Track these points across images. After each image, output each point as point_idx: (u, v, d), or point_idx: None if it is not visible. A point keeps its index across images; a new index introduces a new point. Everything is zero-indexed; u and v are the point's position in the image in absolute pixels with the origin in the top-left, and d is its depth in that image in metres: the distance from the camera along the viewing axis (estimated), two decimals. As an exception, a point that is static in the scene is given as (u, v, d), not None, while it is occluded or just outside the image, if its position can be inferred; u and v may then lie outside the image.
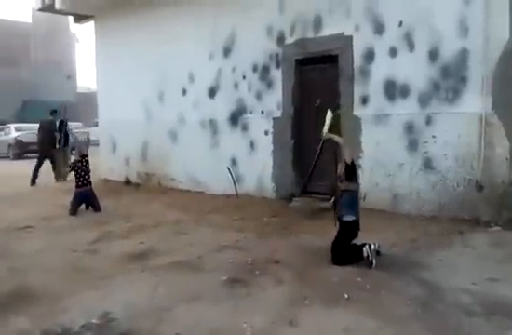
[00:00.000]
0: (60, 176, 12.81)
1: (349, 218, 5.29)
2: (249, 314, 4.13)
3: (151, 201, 8.43)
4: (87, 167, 8.71)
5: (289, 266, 5.30)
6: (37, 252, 6.21)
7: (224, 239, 6.46)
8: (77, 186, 8.71)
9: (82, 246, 6.46)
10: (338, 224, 5.38)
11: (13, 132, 22.90)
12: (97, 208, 8.73)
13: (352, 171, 5.38)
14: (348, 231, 5.32)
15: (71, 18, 14.83)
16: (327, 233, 5.88)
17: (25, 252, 6.23)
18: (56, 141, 13.34)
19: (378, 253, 5.21)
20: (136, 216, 8.07)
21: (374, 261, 5.10)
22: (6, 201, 10.00)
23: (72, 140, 12.48)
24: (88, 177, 8.70)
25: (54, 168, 13.16)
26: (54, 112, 13.71)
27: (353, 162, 5.41)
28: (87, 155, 8.72)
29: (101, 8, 12.41)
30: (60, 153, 13.25)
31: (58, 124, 13.37)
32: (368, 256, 5.15)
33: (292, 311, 4.17)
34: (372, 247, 5.15)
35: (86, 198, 8.77)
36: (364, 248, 5.17)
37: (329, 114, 5.69)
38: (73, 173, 8.90)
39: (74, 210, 8.55)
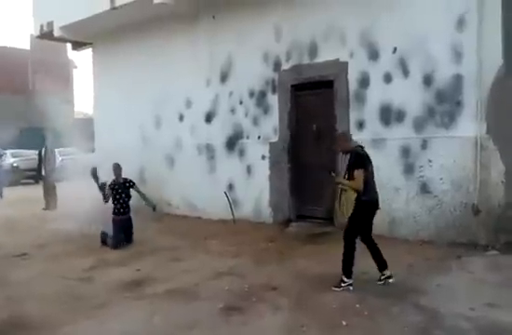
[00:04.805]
0: (47, 205, 12.74)
1: (363, 198, 5.29)
2: (246, 342, 4.08)
3: (147, 227, 8.39)
4: (129, 192, 8.10)
5: (287, 293, 5.26)
6: (33, 280, 6.17)
7: (221, 266, 6.41)
8: (116, 213, 8.03)
9: (78, 273, 6.41)
10: (355, 205, 5.34)
11: (9, 158, 22.46)
12: (130, 239, 8.05)
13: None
14: (363, 209, 5.32)
15: (69, 44, 14.94)
16: (324, 258, 5.84)
17: (21, 280, 6.18)
18: (41, 170, 13.28)
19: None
20: (132, 242, 8.01)
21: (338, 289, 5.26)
22: (1, 228, 9.95)
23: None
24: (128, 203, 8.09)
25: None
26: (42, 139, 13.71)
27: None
28: (131, 181, 8.20)
29: (99, 36, 12.56)
30: (46, 181, 13.13)
31: (43, 151, 13.30)
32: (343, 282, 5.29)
33: (290, 339, 4.13)
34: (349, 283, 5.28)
35: (126, 228, 8.02)
36: (346, 279, 5.29)
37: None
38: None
39: (117, 242, 7.78)
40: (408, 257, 6.33)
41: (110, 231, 7.97)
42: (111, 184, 8.03)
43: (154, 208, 8.18)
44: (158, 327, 4.53)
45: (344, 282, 5.27)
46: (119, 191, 8.00)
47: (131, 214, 8.18)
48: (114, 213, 8.02)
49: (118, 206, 8.00)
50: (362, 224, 5.41)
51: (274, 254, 6.96)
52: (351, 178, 5.33)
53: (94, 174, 8.17)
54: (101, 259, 7.09)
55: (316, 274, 5.81)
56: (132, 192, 8.20)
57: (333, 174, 5.64)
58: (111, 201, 8.04)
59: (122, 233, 7.92)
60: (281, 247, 7.35)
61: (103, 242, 8.00)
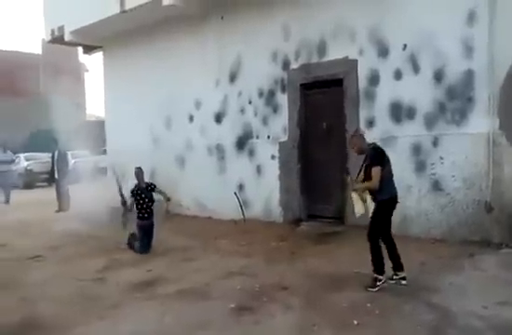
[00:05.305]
0: (60, 207, 12.80)
1: (383, 197, 5.26)
2: (257, 342, 4.07)
3: (159, 227, 8.39)
4: (152, 196, 7.83)
5: (298, 292, 5.24)
6: (47, 282, 6.20)
7: (232, 265, 6.41)
8: (140, 218, 7.75)
9: (91, 274, 6.44)
10: (375, 205, 5.33)
11: (23, 162, 22.37)
12: (149, 246, 7.72)
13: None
14: (384, 208, 5.30)
15: (80, 48, 15.04)
16: (334, 257, 5.79)
17: (35, 282, 6.21)
18: (54, 173, 13.32)
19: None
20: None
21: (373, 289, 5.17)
22: (15, 230, 10.02)
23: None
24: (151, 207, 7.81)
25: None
26: (54, 142, 13.74)
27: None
28: (152, 183, 7.99)
29: (109, 39, 12.65)
30: (58, 183, 13.17)
31: (56, 154, 13.35)
32: (377, 280, 5.16)
33: (301, 338, 4.10)
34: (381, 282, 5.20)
35: (149, 233, 7.73)
36: (380, 277, 5.21)
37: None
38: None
39: (143, 247, 7.57)
40: (420, 255, 6.26)
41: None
42: (133, 190, 7.79)
43: (168, 199, 7.96)
44: (170, 327, 4.53)
45: (380, 280, 5.19)
46: (142, 196, 7.74)
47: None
48: (138, 218, 7.78)
49: (143, 211, 7.74)
50: (383, 222, 5.35)
51: (284, 253, 6.94)
52: (367, 176, 5.28)
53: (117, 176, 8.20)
54: (114, 260, 7.12)
55: (327, 274, 5.78)
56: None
57: (349, 178, 5.54)
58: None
59: (147, 237, 7.70)
60: (292, 246, 7.33)
61: (130, 244, 7.83)
